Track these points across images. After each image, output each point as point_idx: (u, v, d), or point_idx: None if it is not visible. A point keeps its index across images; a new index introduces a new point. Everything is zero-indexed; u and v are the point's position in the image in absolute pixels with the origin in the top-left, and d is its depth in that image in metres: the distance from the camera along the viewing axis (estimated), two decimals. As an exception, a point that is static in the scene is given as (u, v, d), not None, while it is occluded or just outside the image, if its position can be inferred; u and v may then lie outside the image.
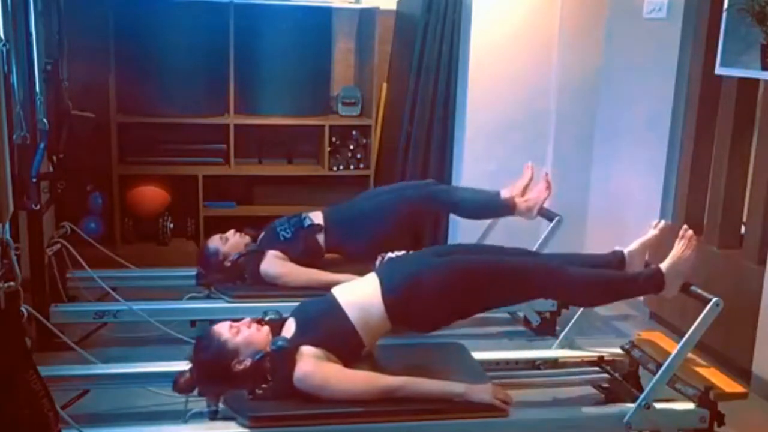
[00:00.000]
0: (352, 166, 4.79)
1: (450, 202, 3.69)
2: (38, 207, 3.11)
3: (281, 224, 3.58)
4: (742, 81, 3.34)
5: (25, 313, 1.89)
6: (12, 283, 1.85)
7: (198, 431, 2.40)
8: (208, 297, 3.46)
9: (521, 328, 3.79)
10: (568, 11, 4.38)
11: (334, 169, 4.76)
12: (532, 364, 2.97)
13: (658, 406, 2.59)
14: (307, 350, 2.41)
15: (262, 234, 3.60)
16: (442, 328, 2.66)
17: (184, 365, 2.78)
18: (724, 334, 3.08)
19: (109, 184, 4.47)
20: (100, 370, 2.76)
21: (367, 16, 4.77)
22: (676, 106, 3.83)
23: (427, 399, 2.44)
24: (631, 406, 2.58)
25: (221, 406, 2.42)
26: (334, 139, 4.75)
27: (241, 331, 2.42)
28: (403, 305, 2.53)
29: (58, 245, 3.42)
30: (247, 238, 3.56)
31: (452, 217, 4.49)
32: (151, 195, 4.60)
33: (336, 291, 2.61)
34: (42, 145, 3.15)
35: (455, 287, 2.55)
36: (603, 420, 2.60)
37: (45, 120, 3.15)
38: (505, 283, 2.61)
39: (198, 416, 2.45)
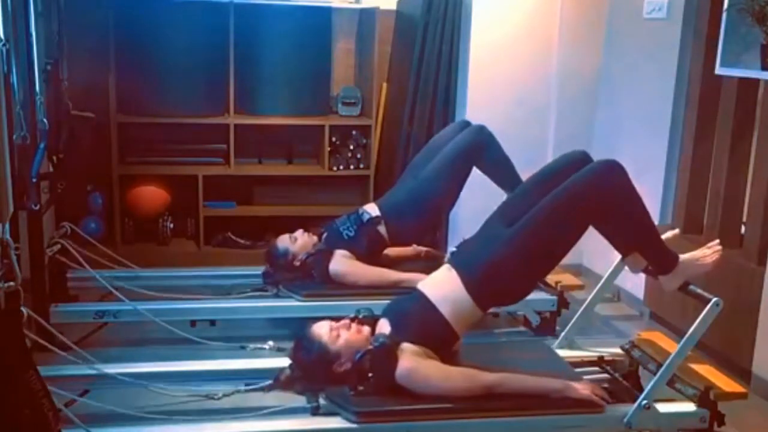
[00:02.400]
0: (352, 166, 4.78)
1: (481, 144, 3.60)
2: (38, 207, 3.11)
3: (342, 223, 3.60)
4: (742, 81, 3.34)
5: (25, 314, 1.89)
6: (12, 283, 1.85)
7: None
8: (276, 296, 3.51)
9: (521, 328, 3.79)
10: (568, 11, 4.38)
11: (334, 169, 4.76)
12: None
13: (658, 406, 2.59)
14: (407, 347, 2.45)
15: (325, 234, 3.62)
16: (529, 293, 2.69)
17: (184, 365, 2.80)
18: (724, 334, 3.09)
19: (109, 184, 4.47)
20: (101, 370, 2.75)
21: (367, 16, 4.77)
22: (676, 106, 3.83)
23: (526, 395, 2.48)
24: (631, 406, 2.58)
25: (322, 401, 2.45)
26: (334, 139, 4.75)
27: (341, 335, 2.45)
28: (488, 289, 2.56)
29: (58, 245, 3.42)
30: (315, 238, 3.60)
31: (452, 223, 4.50)
32: (151, 195, 4.60)
33: (423, 287, 2.64)
34: (42, 145, 3.15)
35: (533, 253, 2.56)
36: (603, 420, 2.60)
37: (45, 120, 3.15)
38: (577, 214, 2.58)
39: (300, 411, 2.48)
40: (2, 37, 2.57)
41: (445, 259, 2.88)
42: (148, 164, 4.56)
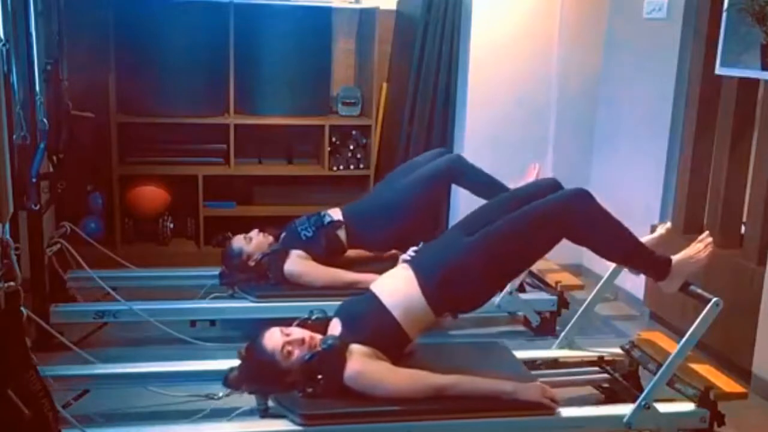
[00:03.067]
0: (352, 166, 4.78)
1: (460, 170, 3.59)
2: (38, 207, 3.11)
3: (302, 223, 3.59)
4: (742, 81, 3.34)
5: (25, 314, 1.89)
6: (12, 283, 1.85)
7: (248, 429, 2.41)
8: (231, 296, 3.48)
9: (521, 328, 3.79)
10: (568, 11, 4.38)
11: (334, 169, 4.76)
12: (532, 364, 2.96)
13: (658, 406, 2.59)
14: (356, 349, 2.44)
15: (283, 234, 3.61)
16: (485, 303, 2.68)
17: (183, 365, 2.80)
18: (724, 334, 3.09)
19: (109, 184, 4.47)
20: (100, 370, 2.76)
21: (367, 16, 4.77)
22: (676, 106, 3.83)
23: (476, 397, 2.46)
24: (631, 406, 2.58)
25: (271, 403, 2.44)
26: (334, 139, 4.75)
27: (294, 354, 2.39)
28: (444, 293, 2.55)
29: (58, 245, 3.42)
30: (271, 238, 3.58)
31: (451, 218, 4.50)
32: (151, 195, 4.60)
33: (376, 288, 2.62)
34: (42, 145, 3.15)
35: (492, 262, 2.56)
36: (603, 420, 2.60)
37: (45, 120, 3.15)
38: (538, 235, 2.59)
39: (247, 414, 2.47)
40: (2, 37, 2.57)
41: (400, 260, 2.87)
42: (148, 164, 4.56)
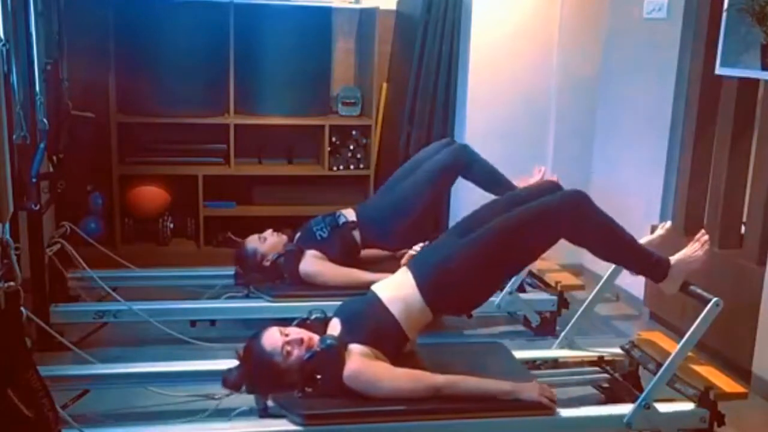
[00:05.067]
0: (352, 166, 4.79)
1: (466, 162, 3.59)
2: (38, 207, 3.11)
3: (317, 224, 3.59)
4: (742, 81, 3.34)
5: (25, 315, 1.89)
6: (12, 283, 1.85)
7: (247, 429, 2.41)
8: (247, 296, 3.49)
9: (521, 328, 3.79)
10: (568, 11, 4.38)
11: (334, 169, 4.76)
12: (532, 364, 2.97)
13: (658, 406, 2.59)
14: (355, 348, 2.44)
15: (298, 234, 3.62)
16: (482, 304, 2.69)
17: (183, 365, 2.80)
18: (724, 334, 3.08)
19: (109, 184, 4.47)
20: (100, 370, 2.76)
21: (367, 16, 4.77)
22: (676, 106, 3.83)
23: (474, 397, 2.46)
24: (631, 406, 2.58)
25: (270, 403, 2.44)
26: (334, 139, 4.75)
27: (293, 353, 2.40)
28: (440, 293, 2.56)
29: (58, 245, 3.42)
30: (285, 238, 3.59)
31: (451, 218, 4.50)
32: (151, 195, 4.60)
33: (376, 288, 2.63)
34: (42, 145, 3.15)
35: (485, 263, 2.57)
36: (603, 420, 2.61)
37: (45, 120, 3.15)
38: (534, 236, 2.60)
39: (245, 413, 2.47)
40: (2, 37, 2.57)
41: (405, 257, 2.87)
42: (148, 164, 4.56)
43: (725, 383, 2.66)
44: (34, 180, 3.05)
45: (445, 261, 2.58)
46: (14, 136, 2.78)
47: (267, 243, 3.53)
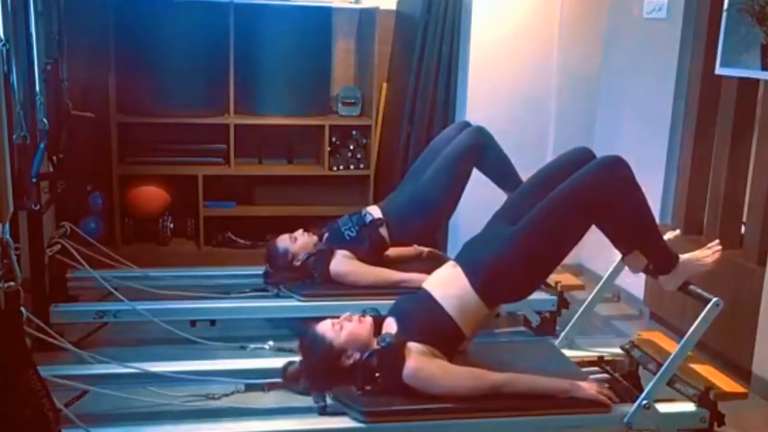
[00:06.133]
0: (352, 166, 4.79)
1: (481, 145, 3.59)
2: (38, 207, 3.11)
3: (344, 223, 3.61)
4: (742, 81, 3.34)
5: (25, 315, 1.89)
6: (12, 283, 1.85)
7: (307, 426, 2.44)
8: (277, 296, 3.51)
9: (521, 328, 3.78)
10: (568, 11, 4.38)
11: (334, 169, 4.76)
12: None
13: (658, 406, 2.59)
14: (414, 346, 2.46)
15: (326, 234, 3.63)
16: (535, 290, 2.73)
17: (183, 365, 2.80)
18: (724, 334, 3.08)
19: (109, 184, 4.47)
20: (100, 370, 2.76)
21: (367, 16, 4.77)
22: (676, 106, 3.83)
23: (533, 395, 2.48)
24: (631, 406, 2.58)
25: (330, 401, 2.46)
26: (334, 139, 4.75)
27: (344, 327, 2.47)
28: (495, 286, 2.57)
29: (58, 245, 3.42)
30: (315, 238, 3.59)
31: (453, 223, 4.50)
32: (151, 195, 4.60)
33: (428, 286, 2.64)
34: (42, 145, 3.15)
35: (537, 250, 2.57)
36: (603, 420, 2.60)
37: (45, 120, 3.14)
38: (582, 210, 2.59)
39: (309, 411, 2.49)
40: (2, 37, 2.57)
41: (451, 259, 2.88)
42: (148, 164, 4.56)
43: (725, 383, 2.65)
44: (34, 180, 3.05)
45: (496, 254, 2.57)
46: (14, 136, 2.78)
47: (298, 243, 3.54)
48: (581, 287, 3.72)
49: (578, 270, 4.18)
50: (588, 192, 2.58)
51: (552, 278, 3.72)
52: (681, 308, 3.37)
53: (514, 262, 2.57)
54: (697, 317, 2.55)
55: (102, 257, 3.69)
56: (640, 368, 2.90)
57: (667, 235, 2.90)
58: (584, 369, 2.98)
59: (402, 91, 4.72)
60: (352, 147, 4.78)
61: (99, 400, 2.71)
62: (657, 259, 2.73)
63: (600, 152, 4.41)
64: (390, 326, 2.56)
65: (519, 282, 2.62)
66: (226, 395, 2.56)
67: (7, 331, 1.81)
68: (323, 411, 2.46)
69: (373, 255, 3.57)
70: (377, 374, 2.42)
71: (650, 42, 3.99)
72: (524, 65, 4.42)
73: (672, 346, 2.76)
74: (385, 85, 4.92)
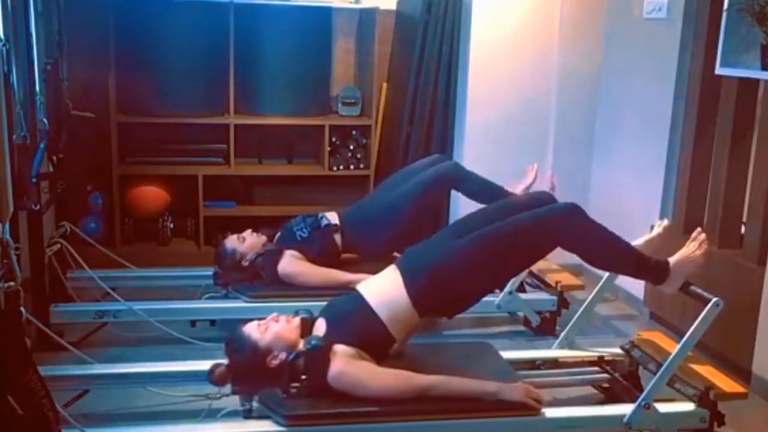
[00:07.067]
0: (352, 166, 4.78)
1: (457, 177, 3.58)
2: (38, 207, 3.11)
3: (297, 224, 3.58)
4: (742, 81, 3.34)
5: (24, 315, 1.89)
6: (12, 283, 1.85)
7: (232, 430, 2.42)
8: (225, 297, 3.47)
9: (521, 328, 3.79)
10: (568, 11, 4.38)
11: (334, 169, 4.76)
12: (532, 364, 2.97)
13: (658, 406, 2.59)
14: (340, 349, 2.44)
15: (278, 234, 3.61)
16: (469, 308, 2.68)
17: (183, 365, 2.80)
18: (724, 334, 3.08)
19: (109, 184, 4.47)
20: (100, 370, 2.76)
21: (367, 16, 4.77)
22: (676, 106, 3.83)
23: (460, 398, 2.45)
24: (631, 406, 2.58)
25: (255, 404, 2.44)
26: (334, 139, 4.75)
27: (270, 327, 2.45)
28: (429, 295, 2.55)
29: (58, 245, 3.42)
30: (264, 238, 3.57)
31: (452, 218, 4.50)
32: (151, 195, 4.60)
33: (362, 288, 2.62)
34: (42, 145, 3.15)
35: (477, 267, 2.56)
36: (603, 420, 2.60)
37: (45, 120, 3.14)
38: (528, 245, 2.60)
39: (232, 414, 2.48)
40: (2, 37, 2.57)
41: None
42: (148, 164, 4.56)
43: (725, 383, 2.66)
44: (34, 180, 3.05)
45: (435, 263, 2.57)
46: (14, 136, 2.78)
47: (246, 243, 3.51)
48: (581, 287, 3.72)
49: (578, 270, 4.17)
50: (539, 232, 2.59)
51: (552, 278, 3.73)
52: (681, 308, 3.37)
53: (455, 274, 2.54)
54: (697, 317, 2.55)
55: (102, 257, 3.69)
56: (640, 368, 2.90)
57: (656, 229, 2.87)
58: (584, 369, 2.99)
59: (402, 91, 4.72)
60: (352, 147, 4.77)
61: (99, 400, 2.72)
62: (647, 278, 2.76)
63: (600, 153, 4.45)
64: (320, 328, 2.53)
65: (455, 295, 2.59)
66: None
67: (7, 331, 1.81)
68: (248, 414, 2.43)
69: (324, 258, 3.51)
70: (303, 376, 2.40)
71: (650, 42, 3.99)
72: (524, 65, 4.42)
73: (672, 346, 2.76)
74: (385, 85, 4.92)
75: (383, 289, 2.58)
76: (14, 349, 1.82)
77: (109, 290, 3.40)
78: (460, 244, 2.58)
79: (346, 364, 2.41)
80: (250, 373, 2.44)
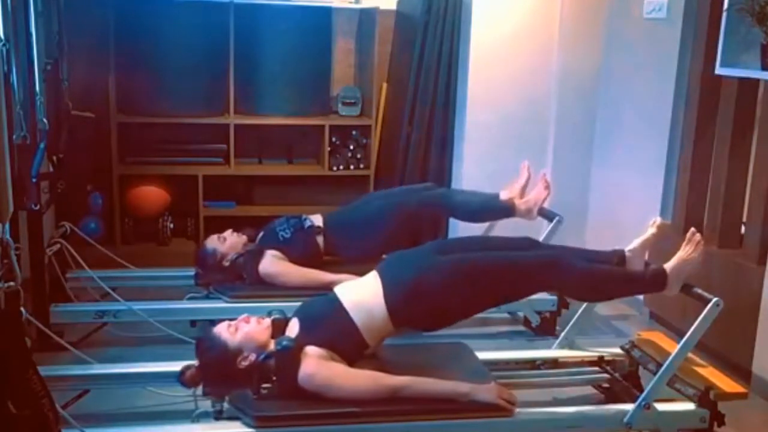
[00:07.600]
0: (352, 166, 4.78)
1: (449, 206, 3.68)
2: (38, 207, 3.11)
3: (280, 224, 3.58)
4: (742, 81, 3.34)
5: (24, 315, 1.89)
6: (12, 283, 1.85)
7: (203, 431, 2.41)
8: (207, 297, 3.46)
9: (521, 328, 3.79)
10: (568, 11, 4.38)
11: (334, 169, 4.76)
12: (532, 364, 2.97)
13: (658, 406, 2.59)
14: (311, 350, 2.42)
15: (261, 234, 3.60)
16: (444, 328, 2.66)
17: (183, 365, 2.79)
18: (724, 334, 3.08)
19: (109, 184, 4.47)
20: (100, 370, 2.76)
21: (367, 16, 4.77)
22: (676, 106, 3.83)
23: (432, 399, 2.44)
24: (631, 406, 2.58)
25: (226, 405, 2.42)
26: (334, 139, 4.75)
27: (240, 328, 2.43)
28: (406, 308, 2.53)
29: (58, 245, 3.42)
30: (245, 238, 3.56)
31: (452, 223, 4.50)
32: (151, 195, 4.60)
33: (339, 291, 2.61)
34: (42, 145, 3.15)
35: (457, 289, 2.54)
36: (603, 420, 2.60)
37: (45, 120, 3.15)
38: (508, 281, 2.61)
39: (204, 415, 2.46)
40: (2, 37, 2.57)
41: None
42: (148, 164, 4.56)
43: (725, 383, 2.66)
44: (34, 180, 3.05)
45: (417, 277, 2.54)
46: (14, 136, 2.78)
47: (227, 243, 3.50)
48: (581, 287, 3.72)
49: (578, 270, 4.18)
50: (520, 278, 2.62)
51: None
52: (681, 308, 3.37)
53: (432, 293, 2.52)
54: (697, 317, 2.56)
55: (102, 257, 3.69)
56: (640, 368, 2.90)
57: (650, 229, 2.86)
58: (584, 369, 2.99)
59: (402, 91, 4.72)
60: (352, 147, 4.77)
61: (99, 400, 2.72)
62: (646, 291, 2.78)
63: (600, 153, 4.45)
64: (293, 328, 2.52)
65: (430, 311, 2.56)
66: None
67: (7, 331, 1.81)
68: (218, 416, 2.42)
69: (305, 259, 3.49)
70: (274, 378, 2.39)
71: (650, 42, 3.99)
72: (524, 65, 4.42)
73: (672, 346, 2.76)
74: (385, 85, 4.92)
75: (362, 296, 2.55)
76: (14, 349, 1.82)
77: (109, 290, 3.40)
78: (442, 264, 2.57)
79: (316, 366, 2.39)
80: (220, 374, 2.42)
